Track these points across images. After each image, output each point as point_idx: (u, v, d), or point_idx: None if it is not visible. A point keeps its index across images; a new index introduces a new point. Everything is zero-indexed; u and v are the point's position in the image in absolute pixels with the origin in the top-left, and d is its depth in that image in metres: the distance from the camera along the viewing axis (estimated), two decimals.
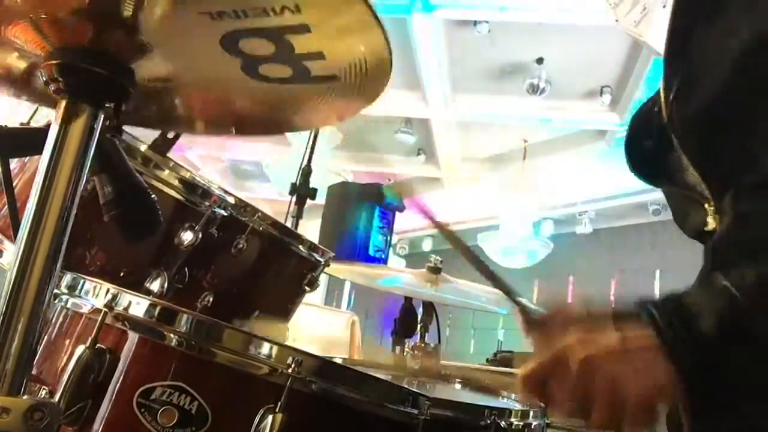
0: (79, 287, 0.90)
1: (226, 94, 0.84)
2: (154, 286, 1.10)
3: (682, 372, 0.63)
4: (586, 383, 0.65)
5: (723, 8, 0.75)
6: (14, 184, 0.93)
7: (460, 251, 0.83)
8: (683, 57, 0.78)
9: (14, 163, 1.10)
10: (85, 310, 0.88)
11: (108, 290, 0.85)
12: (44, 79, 0.68)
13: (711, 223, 0.81)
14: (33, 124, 1.11)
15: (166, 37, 0.67)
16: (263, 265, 1.28)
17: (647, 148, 0.91)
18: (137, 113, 0.93)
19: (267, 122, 0.97)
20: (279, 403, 0.77)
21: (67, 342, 0.90)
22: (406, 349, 1.79)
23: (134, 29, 0.66)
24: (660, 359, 0.63)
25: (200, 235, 1.12)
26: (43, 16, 0.64)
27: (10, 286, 0.64)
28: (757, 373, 0.65)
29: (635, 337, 0.66)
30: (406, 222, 7.02)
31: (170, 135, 1.10)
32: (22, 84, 0.83)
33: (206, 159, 7.14)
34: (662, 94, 0.80)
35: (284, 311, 1.39)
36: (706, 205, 0.81)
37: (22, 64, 0.77)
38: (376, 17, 0.62)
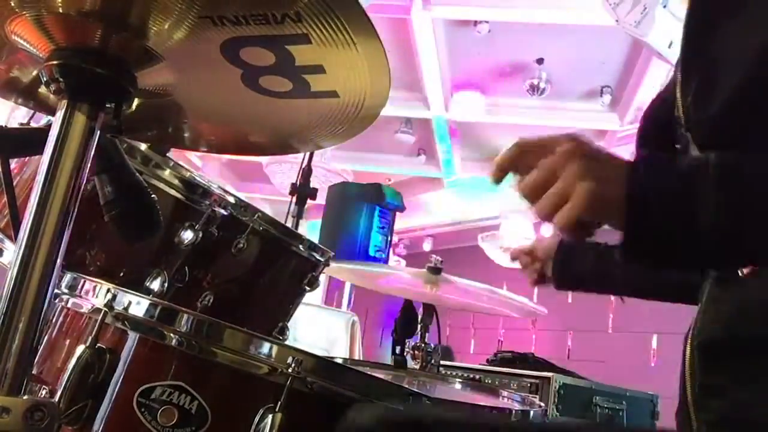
0: (80, 287, 0.90)
1: (227, 110, 0.84)
2: (154, 285, 1.11)
3: (632, 192, 0.66)
4: (554, 169, 0.70)
5: (743, 4, 0.74)
6: (14, 184, 0.93)
7: None
8: (702, 56, 0.77)
9: (14, 163, 1.10)
10: (85, 309, 0.88)
11: (108, 290, 0.85)
12: (44, 79, 0.68)
13: None
14: (32, 124, 1.11)
15: (170, 43, 0.67)
16: (263, 265, 1.28)
17: (659, 146, 0.91)
18: (142, 132, 0.94)
19: (268, 142, 0.98)
20: (279, 403, 0.77)
21: (68, 342, 0.90)
22: (407, 349, 1.79)
23: (141, 33, 0.66)
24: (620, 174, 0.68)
25: (200, 235, 1.12)
26: (49, 13, 0.64)
27: (11, 286, 0.64)
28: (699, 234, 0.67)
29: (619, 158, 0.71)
30: (407, 222, 7.02)
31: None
32: (28, 92, 0.83)
33: (206, 158, 7.14)
34: (679, 96, 0.79)
35: (284, 311, 1.39)
36: None
37: (28, 73, 0.78)
38: (374, 32, 0.62)
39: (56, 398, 0.79)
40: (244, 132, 0.93)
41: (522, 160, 0.77)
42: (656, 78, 4.46)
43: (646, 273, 1.34)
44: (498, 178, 0.79)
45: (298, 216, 2.48)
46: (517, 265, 1.52)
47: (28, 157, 1.11)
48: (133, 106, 0.79)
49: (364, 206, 4.26)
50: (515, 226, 6.09)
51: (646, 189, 0.67)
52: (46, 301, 0.66)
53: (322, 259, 1.37)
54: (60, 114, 0.68)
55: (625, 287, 1.40)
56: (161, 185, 1.09)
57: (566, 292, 1.52)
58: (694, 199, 0.65)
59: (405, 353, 1.80)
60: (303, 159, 2.56)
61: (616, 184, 0.67)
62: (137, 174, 0.85)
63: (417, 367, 1.75)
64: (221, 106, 0.84)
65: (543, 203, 0.70)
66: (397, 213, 4.41)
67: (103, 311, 0.83)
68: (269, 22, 0.61)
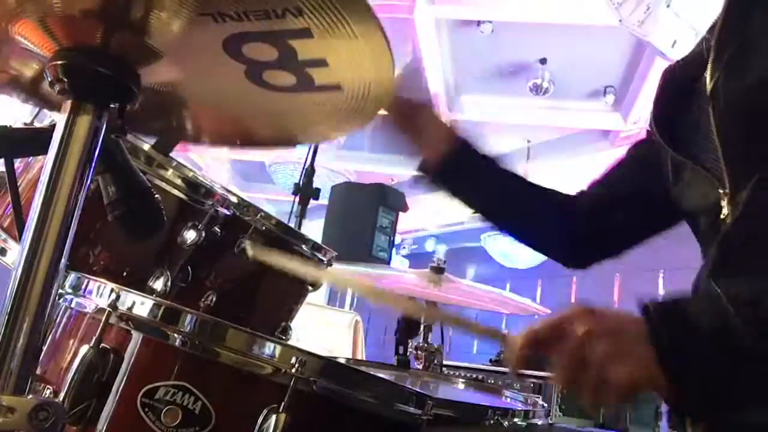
0: (83, 287, 0.90)
1: (231, 104, 0.84)
2: (157, 285, 1.11)
3: (669, 369, 0.66)
4: (581, 356, 0.68)
5: None
6: (18, 184, 0.93)
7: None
8: (738, 32, 0.76)
9: (18, 163, 1.10)
10: (89, 309, 0.88)
11: (112, 290, 0.85)
12: (49, 79, 0.69)
13: (725, 211, 0.79)
14: (36, 124, 1.11)
15: (172, 41, 0.67)
16: (266, 265, 1.28)
17: (672, 107, 0.90)
18: (146, 125, 0.94)
19: (273, 136, 0.98)
20: (282, 403, 0.77)
21: (71, 342, 0.90)
22: (410, 350, 1.79)
23: (143, 32, 0.66)
24: (649, 349, 0.67)
25: (203, 235, 1.12)
26: (51, 13, 0.64)
27: (16, 286, 0.64)
28: (742, 383, 0.68)
29: (634, 322, 0.69)
30: (410, 222, 7.02)
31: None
32: (30, 89, 0.83)
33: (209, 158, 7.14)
34: (709, 68, 0.78)
35: (287, 311, 1.39)
36: (720, 191, 0.79)
37: (30, 70, 0.78)
38: (377, 21, 0.62)
39: (60, 398, 0.80)
40: (248, 127, 0.93)
41: (539, 344, 0.74)
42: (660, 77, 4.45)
43: (503, 191, 1.21)
44: (519, 370, 0.78)
45: (301, 216, 2.48)
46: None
47: (32, 157, 1.12)
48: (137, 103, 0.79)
49: (367, 206, 4.26)
50: None
51: (679, 364, 0.66)
52: (50, 301, 0.66)
53: (325, 259, 1.37)
54: (64, 114, 0.68)
55: (477, 199, 1.21)
56: (164, 185, 1.09)
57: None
58: (726, 361, 0.66)
59: (408, 353, 1.80)
60: (306, 159, 2.57)
61: (645, 358, 0.67)
62: (141, 174, 0.85)
63: (420, 367, 1.75)
64: (226, 102, 0.84)
65: (586, 394, 0.69)
66: (400, 213, 4.41)
67: (106, 311, 0.83)
68: (270, 17, 0.61)
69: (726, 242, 0.77)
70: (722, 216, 0.79)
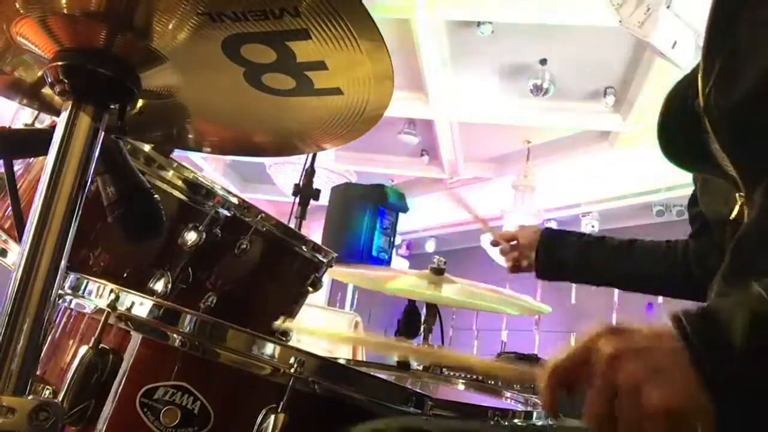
0: (83, 288, 0.91)
1: (232, 110, 0.84)
2: (158, 286, 1.11)
3: (708, 382, 0.57)
4: (612, 382, 0.59)
5: None
6: (18, 185, 0.93)
7: None
8: (725, 42, 0.75)
9: (18, 164, 1.11)
10: (88, 310, 0.89)
11: (111, 291, 0.85)
12: (49, 80, 0.69)
13: (735, 212, 0.79)
14: (37, 125, 1.12)
15: (173, 43, 0.67)
16: (266, 266, 1.29)
17: (680, 132, 0.88)
18: (148, 134, 0.94)
19: (274, 143, 0.98)
20: (281, 403, 0.77)
21: (71, 342, 0.91)
22: None
23: (145, 34, 0.66)
24: (686, 362, 0.58)
25: (204, 236, 1.12)
26: (53, 14, 0.64)
27: (16, 287, 0.64)
28: None
29: (666, 336, 0.60)
30: (410, 223, 7.02)
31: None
32: (32, 93, 0.84)
33: (210, 159, 7.15)
34: (699, 81, 0.77)
35: (287, 312, 1.39)
36: (737, 195, 0.79)
37: (32, 75, 0.78)
38: (373, 23, 0.62)
39: (60, 398, 0.80)
40: (248, 132, 0.93)
41: (563, 378, 0.65)
42: (660, 78, 4.45)
43: (626, 265, 1.33)
44: (553, 409, 0.67)
45: (301, 217, 2.48)
46: (497, 253, 1.54)
47: (32, 158, 1.12)
48: (138, 108, 0.80)
49: (367, 207, 4.27)
50: (518, 225, 6.07)
51: (720, 374, 0.57)
52: (51, 301, 0.66)
53: (325, 260, 1.37)
54: (65, 115, 0.68)
55: (605, 278, 1.39)
56: (165, 186, 1.10)
57: (550, 281, 1.52)
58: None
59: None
60: (306, 160, 2.57)
61: (683, 376, 0.57)
62: (140, 175, 0.85)
63: (420, 368, 1.75)
64: (225, 106, 0.84)
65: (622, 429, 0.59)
66: (400, 214, 4.42)
67: (106, 312, 0.83)
68: (267, 17, 0.61)
69: (739, 245, 0.77)
70: (732, 217, 0.79)
